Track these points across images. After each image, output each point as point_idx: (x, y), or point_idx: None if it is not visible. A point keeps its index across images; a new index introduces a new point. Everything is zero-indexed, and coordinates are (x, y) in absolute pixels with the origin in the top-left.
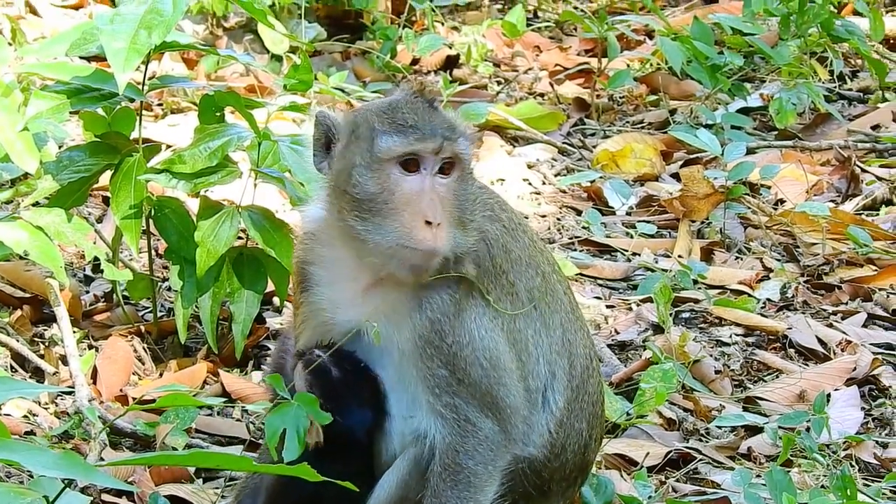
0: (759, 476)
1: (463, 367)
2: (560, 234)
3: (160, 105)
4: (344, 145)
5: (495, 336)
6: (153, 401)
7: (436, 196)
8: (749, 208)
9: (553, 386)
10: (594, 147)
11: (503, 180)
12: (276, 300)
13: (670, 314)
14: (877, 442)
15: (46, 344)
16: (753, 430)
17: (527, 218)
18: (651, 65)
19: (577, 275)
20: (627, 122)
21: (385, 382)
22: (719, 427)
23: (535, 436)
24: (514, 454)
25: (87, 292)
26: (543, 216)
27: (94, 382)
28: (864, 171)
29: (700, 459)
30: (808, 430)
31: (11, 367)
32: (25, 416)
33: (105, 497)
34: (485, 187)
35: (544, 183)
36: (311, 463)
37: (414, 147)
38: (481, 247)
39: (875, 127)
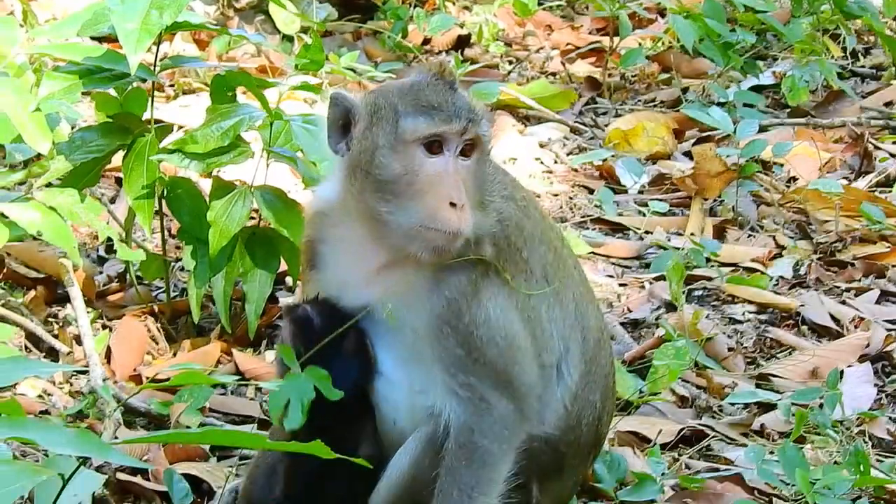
0: (772, 453)
1: (479, 346)
2: (572, 212)
3: (172, 86)
4: (365, 127)
5: (511, 315)
6: (167, 380)
7: (458, 178)
8: (762, 186)
9: (567, 360)
10: (606, 126)
11: (515, 159)
12: (288, 279)
13: (683, 292)
14: (890, 418)
15: (60, 324)
16: (766, 407)
17: (538, 196)
18: (663, 43)
19: (589, 253)
20: (639, 100)
21: (395, 358)
22: (732, 404)
23: (550, 412)
24: (528, 432)
25: (101, 272)
26: (555, 195)
27: (108, 362)
28: (877, 147)
29: (713, 436)
30: (821, 406)
31: (26, 347)
32: (40, 396)
33: (120, 476)
34: (498, 166)
35: (556, 162)
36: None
37: (439, 129)
38: (497, 226)
39: (888, 104)
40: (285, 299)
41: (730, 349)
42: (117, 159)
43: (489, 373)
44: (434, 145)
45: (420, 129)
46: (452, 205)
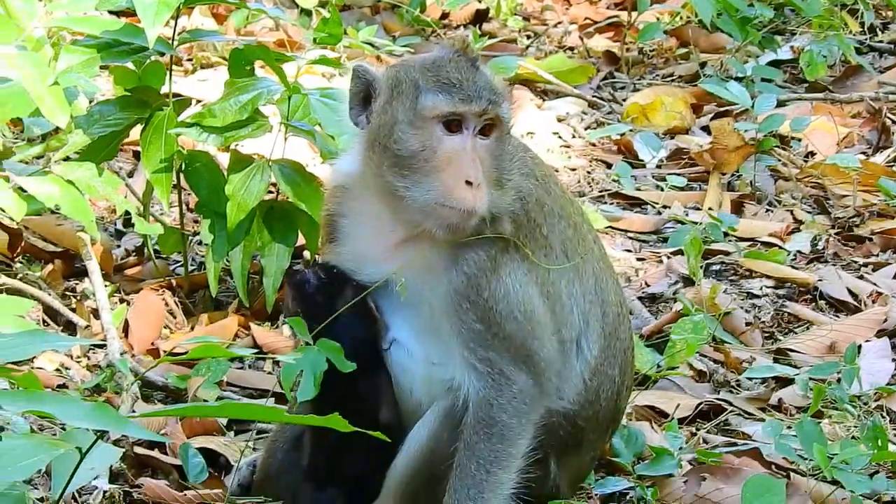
0: (789, 427)
1: (498, 321)
2: (590, 187)
3: (190, 60)
4: (385, 101)
5: (530, 290)
6: (185, 353)
7: (476, 156)
8: (779, 161)
9: (587, 334)
10: (624, 100)
11: (533, 134)
12: (306, 253)
13: (701, 266)
14: None
15: (78, 298)
16: (784, 382)
17: (556, 171)
18: (681, 17)
19: (607, 227)
20: (657, 75)
21: (414, 331)
22: (750, 379)
23: (569, 387)
24: (547, 407)
25: (119, 246)
26: (573, 169)
27: (126, 336)
28: (894, 122)
29: (731, 411)
30: (838, 381)
31: (43, 320)
32: (57, 370)
33: (137, 449)
34: (519, 142)
35: (574, 136)
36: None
37: (458, 108)
38: (517, 203)
39: None
40: None
41: (747, 324)
42: (135, 133)
43: (508, 347)
44: (453, 123)
45: (439, 107)
46: (468, 183)
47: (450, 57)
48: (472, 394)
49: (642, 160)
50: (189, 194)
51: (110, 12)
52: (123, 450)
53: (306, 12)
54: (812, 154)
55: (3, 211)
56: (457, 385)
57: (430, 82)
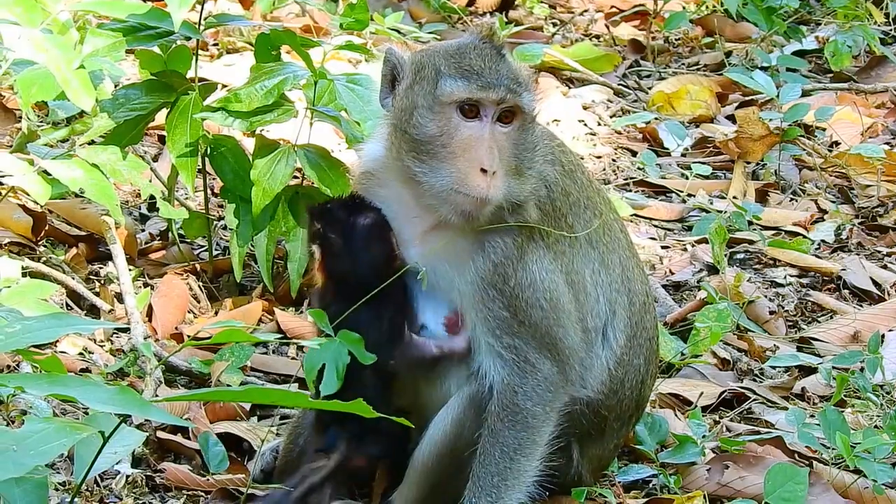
0: (812, 416)
1: (524, 308)
2: (615, 174)
3: (215, 45)
4: (408, 85)
5: (555, 278)
6: (209, 338)
7: (494, 144)
8: (804, 150)
9: (613, 324)
10: (649, 89)
11: (558, 121)
12: None
13: (725, 255)
14: None
15: (102, 282)
16: (807, 371)
17: (582, 159)
18: (707, 7)
19: (632, 215)
20: (683, 63)
21: (441, 318)
22: (773, 367)
23: (593, 376)
24: (571, 395)
25: (143, 230)
26: (598, 157)
27: (150, 320)
28: None
29: (754, 399)
30: (861, 370)
31: (67, 304)
32: (81, 354)
33: (160, 434)
34: (546, 130)
35: (599, 124)
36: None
37: (476, 94)
38: (542, 191)
39: None
40: None
41: (771, 312)
42: (160, 117)
43: (533, 335)
44: (471, 110)
45: (457, 92)
46: (483, 171)
47: (475, 44)
48: (496, 381)
49: (667, 148)
50: (214, 179)
51: None
52: (146, 434)
53: None
54: (836, 144)
55: (28, 194)
56: (482, 372)
57: (452, 68)
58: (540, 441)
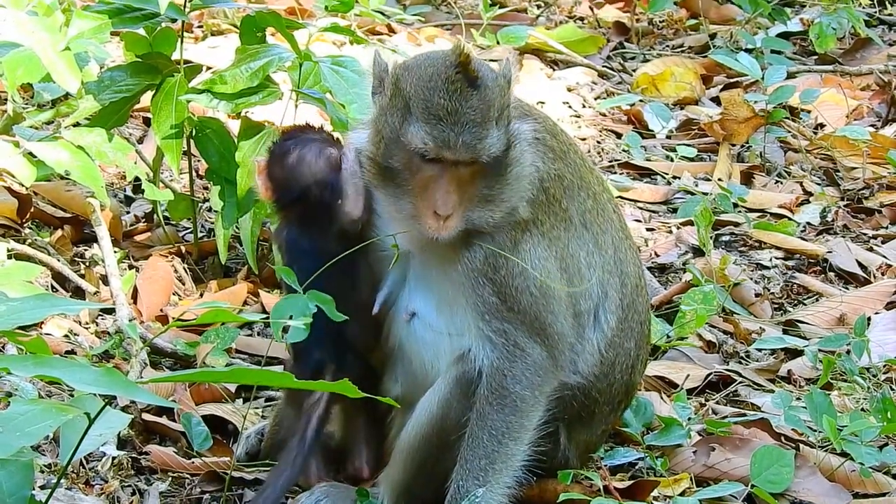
0: (798, 399)
1: (514, 294)
2: (600, 156)
3: (200, 27)
4: (384, 104)
5: (548, 265)
6: (194, 319)
7: (451, 188)
8: (789, 132)
9: (605, 305)
10: (634, 71)
11: (543, 103)
12: None
13: (710, 237)
14: None
15: (87, 264)
16: (793, 353)
17: None
18: None
19: (617, 197)
20: (667, 45)
21: (433, 302)
22: (759, 350)
23: (584, 360)
24: (560, 381)
25: (128, 212)
26: (583, 139)
27: (135, 302)
28: None
29: (740, 382)
30: (848, 353)
31: (52, 286)
32: (66, 336)
33: (145, 416)
34: (531, 112)
35: (584, 106)
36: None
37: (434, 152)
38: (535, 181)
39: None
40: None
41: (757, 295)
42: (146, 99)
43: (522, 320)
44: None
45: (418, 145)
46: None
47: (448, 74)
48: (485, 364)
49: (652, 131)
50: (199, 161)
51: None
52: (132, 416)
53: None
54: (821, 126)
55: (13, 176)
56: (472, 355)
57: (419, 109)
58: (528, 425)
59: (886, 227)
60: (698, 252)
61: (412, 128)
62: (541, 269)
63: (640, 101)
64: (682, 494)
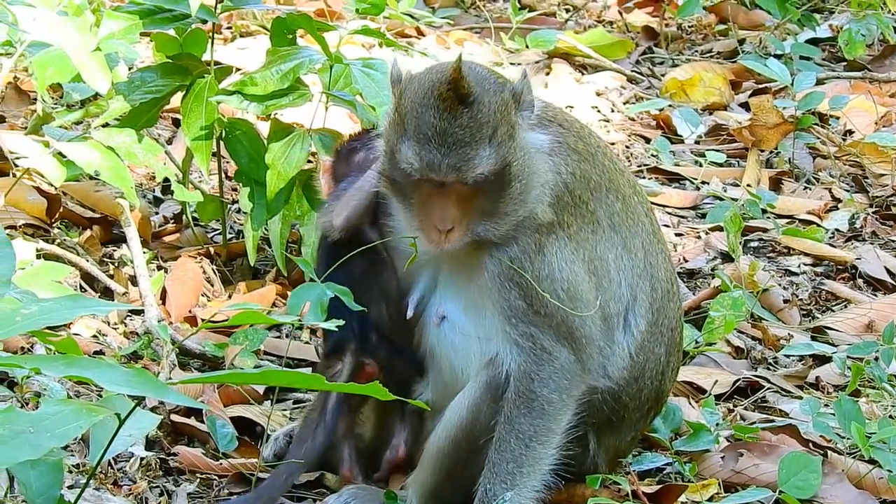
0: (826, 405)
1: (540, 298)
2: (629, 161)
3: (229, 28)
4: (390, 116)
5: (575, 268)
6: (225, 320)
7: (450, 203)
8: (818, 138)
9: (634, 309)
10: (663, 76)
11: (572, 107)
12: None
13: (739, 243)
14: None
15: (116, 264)
16: (822, 360)
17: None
18: None
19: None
20: (696, 51)
21: (461, 307)
22: (787, 356)
23: (614, 363)
24: (589, 385)
25: (157, 213)
26: (612, 144)
27: (163, 303)
28: None
29: (768, 388)
30: (876, 360)
31: (81, 286)
32: (94, 337)
33: (174, 417)
34: (556, 118)
35: (613, 111)
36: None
37: (423, 174)
38: (559, 185)
39: None
40: None
41: (785, 301)
42: (176, 100)
43: (549, 324)
44: None
45: (406, 166)
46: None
47: (441, 90)
48: (513, 368)
49: (681, 136)
50: (228, 162)
51: None
52: (161, 417)
53: None
54: (850, 132)
55: (43, 176)
56: (499, 359)
57: (412, 126)
58: (556, 429)
59: None
60: (727, 258)
61: (404, 146)
62: (567, 272)
63: (669, 105)
64: (710, 500)
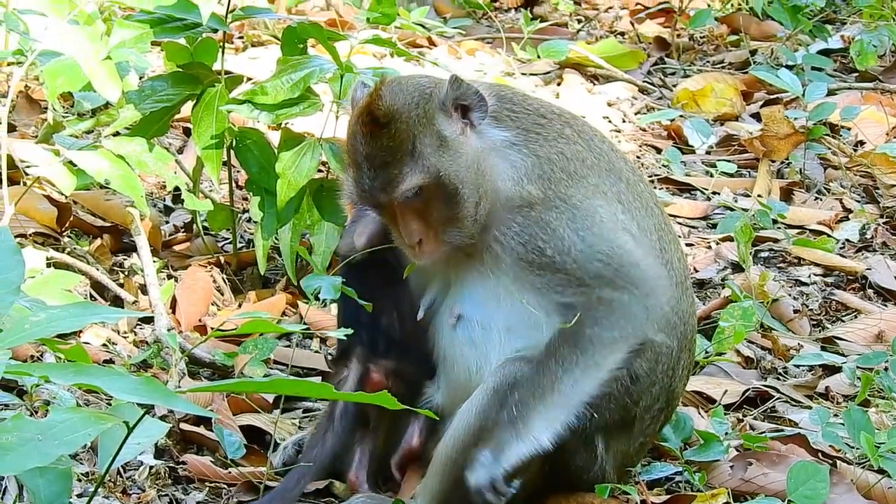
0: (836, 415)
1: (575, 267)
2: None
3: (240, 38)
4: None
5: (598, 229)
6: (235, 329)
7: (409, 218)
8: (829, 149)
9: None
10: (674, 86)
11: (583, 118)
12: None
13: (749, 253)
14: None
15: (126, 273)
16: (831, 370)
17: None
18: (732, 5)
19: None
20: (707, 61)
21: (479, 303)
22: (797, 366)
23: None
24: (645, 335)
25: (167, 222)
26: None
27: (173, 312)
28: None
29: (777, 398)
30: (886, 370)
31: (91, 295)
32: (104, 345)
33: (183, 426)
34: (556, 117)
35: (624, 121)
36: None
37: (360, 199)
38: (539, 165)
39: None
40: None
41: (795, 311)
42: (186, 109)
43: (600, 283)
44: None
45: (350, 193)
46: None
47: (360, 116)
48: (556, 328)
49: (692, 146)
50: (239, 171)
51: None
52: (169, 425)
53: None
54: (861, 143)
55: (53, 185)
56: (532, 345)
57: (349, 155)
58: (604, 365)
59: None
60: (737, 268)
61: (347, 174)
62: (590, 236)
63: (681, 116)
64: None
